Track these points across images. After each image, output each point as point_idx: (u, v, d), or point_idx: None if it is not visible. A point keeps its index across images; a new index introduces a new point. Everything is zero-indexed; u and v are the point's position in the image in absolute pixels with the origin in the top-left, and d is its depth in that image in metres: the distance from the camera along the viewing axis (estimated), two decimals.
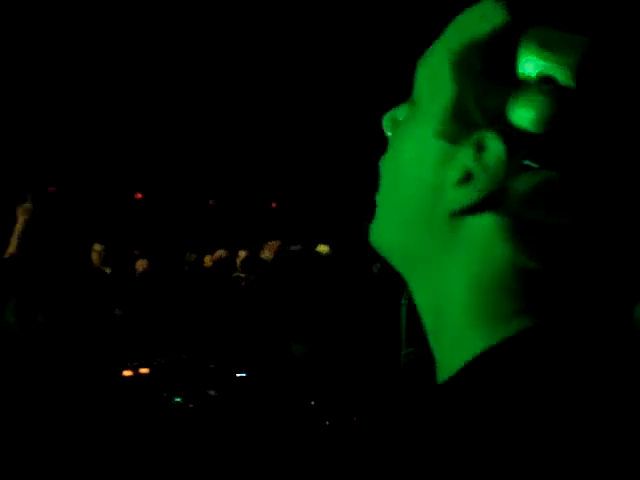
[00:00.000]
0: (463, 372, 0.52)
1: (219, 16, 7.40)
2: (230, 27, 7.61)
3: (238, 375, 4.70)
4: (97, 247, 5.79)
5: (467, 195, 0.53)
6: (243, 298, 5.71)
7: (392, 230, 0.61)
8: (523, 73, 0.51)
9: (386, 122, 0.65)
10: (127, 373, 4.56)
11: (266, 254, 6.20)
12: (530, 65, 0.50)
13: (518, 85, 0.51)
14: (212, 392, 4.46)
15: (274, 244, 6.24)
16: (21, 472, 3.42)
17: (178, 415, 4.24)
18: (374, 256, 4.92)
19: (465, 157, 0.53)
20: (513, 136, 0.50)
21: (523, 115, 0.49)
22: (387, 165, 0.62)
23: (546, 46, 0.50)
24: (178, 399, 4.32)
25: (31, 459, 3.50)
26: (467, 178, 0.53)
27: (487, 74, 0.53)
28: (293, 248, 6.29)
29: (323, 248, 6.45)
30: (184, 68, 7.99)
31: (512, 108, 0.50)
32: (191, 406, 4.29)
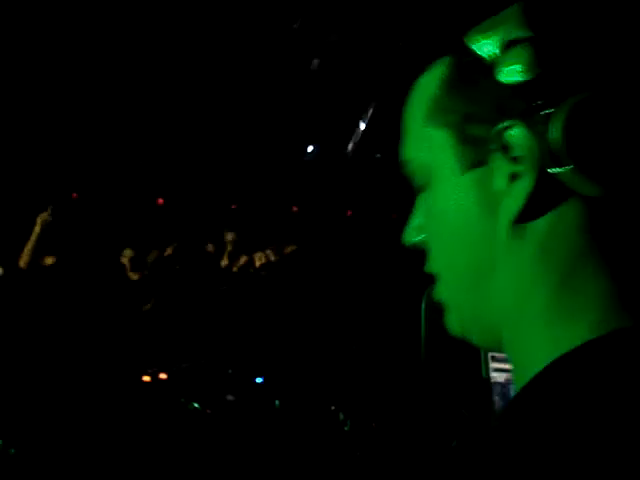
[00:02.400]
0: (541, 377, 0.48)
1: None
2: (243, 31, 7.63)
3: (256, 380, 4.69)
4: (128, 252, 5.80)
5: (523, 187, 0.51)
6: (261, 303, 5.71)
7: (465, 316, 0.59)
8: (490, 56, 0.54)
9: (411, 236, 0.64)
10: (146, 378, 4.57)
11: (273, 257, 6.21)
12: (491, 45, 0.54)
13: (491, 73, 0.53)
14: (230, 397, 4.45)
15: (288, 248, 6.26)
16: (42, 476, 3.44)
17: (196, 420, 4.23)
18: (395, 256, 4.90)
19: (498, 164, 0.52)
20: (521, 110, 0.51)
21: (512, 70, 0.51)
22: (436, 258, 0.60)
23: (490, 27, 0.55)
24: (196, 404, 4.32)
25: (52, 464, 3.52)
26: (513, 177, 0.52)
27: (462, 91, 0.55)
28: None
29: None
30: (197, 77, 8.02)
31: (499, 73, 0.52)
32: (209, 411, 4.28)
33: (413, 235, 0.63)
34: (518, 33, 0.52)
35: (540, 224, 0.51)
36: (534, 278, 0.52)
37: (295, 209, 10.35)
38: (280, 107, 8.62)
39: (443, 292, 0.60)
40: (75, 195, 8.57)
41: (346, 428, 3.76)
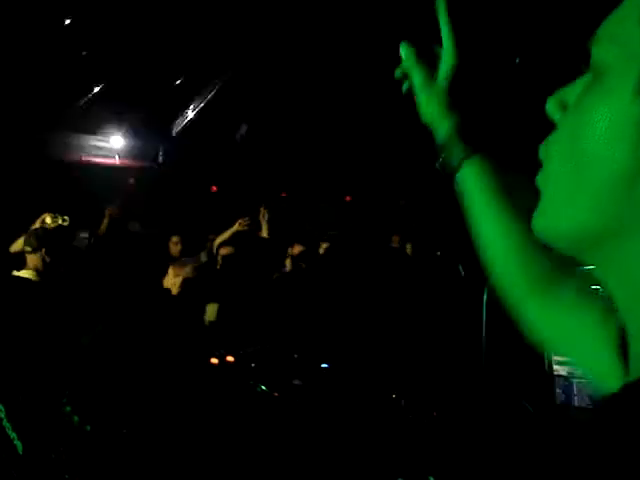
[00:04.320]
0: None
1: None
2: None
3: (322, 366, 4.73)
4: (174, 239, 5.92)
5: None
6: (328, 289, 5.73)
7: (575, 214, 0.54)
8: None
9: (553, 105, 0.59)
10: (213, 361, 4.66)
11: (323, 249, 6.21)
12: None
13: None
14: (297, 382, 4.50)
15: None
16: (118, 458, 3.56)
17: (263, 403, 4.30)
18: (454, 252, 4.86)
19: None
20: None
21: None
22: (562, 147, 0.55)
23: None
24: (263, 387, 4.38)
25: (124, 442, 3.64)
26: None
27: None
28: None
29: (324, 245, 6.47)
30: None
31: None
32: (276, 395, 4.34)
33: (554, 108, 0.59)
34: None
35: None
36: None
37: (348, 199, 10.37)
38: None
39: (553, 192, 0.57)
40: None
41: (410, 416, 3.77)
